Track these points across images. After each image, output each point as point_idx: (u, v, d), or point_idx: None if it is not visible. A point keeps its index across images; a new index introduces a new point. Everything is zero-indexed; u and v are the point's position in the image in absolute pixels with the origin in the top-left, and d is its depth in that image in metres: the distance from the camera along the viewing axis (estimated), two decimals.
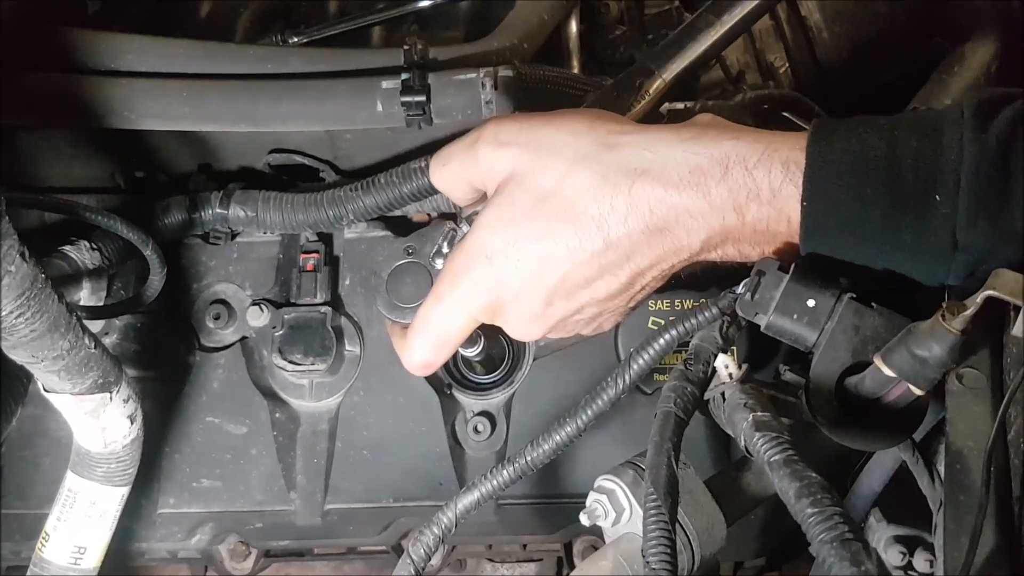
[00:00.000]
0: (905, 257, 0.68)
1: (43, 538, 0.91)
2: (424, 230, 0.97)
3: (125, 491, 0.91)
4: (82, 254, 0.94)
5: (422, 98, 0.90)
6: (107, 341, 0.99)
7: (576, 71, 1.14)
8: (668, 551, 0.63)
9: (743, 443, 0.69)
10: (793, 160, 0.69)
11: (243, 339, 1.03)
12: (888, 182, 0.66)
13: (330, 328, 0.99)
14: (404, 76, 0.91)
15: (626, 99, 0.94)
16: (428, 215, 1.02)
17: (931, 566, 0.80)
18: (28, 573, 0.92)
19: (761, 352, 0.93)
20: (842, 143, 0.68)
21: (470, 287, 0.76)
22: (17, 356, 0.74)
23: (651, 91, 0.95)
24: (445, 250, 0.90)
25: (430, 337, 0.79)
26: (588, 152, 0.73)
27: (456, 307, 0.77)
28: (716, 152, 0.70)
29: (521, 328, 0.79)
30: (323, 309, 0.99)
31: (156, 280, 0.94)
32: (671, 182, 0.70)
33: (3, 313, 0.67)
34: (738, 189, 0.70)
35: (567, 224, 0.72)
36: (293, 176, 1.03)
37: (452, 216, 0.97)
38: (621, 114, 0.88)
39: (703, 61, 0.97)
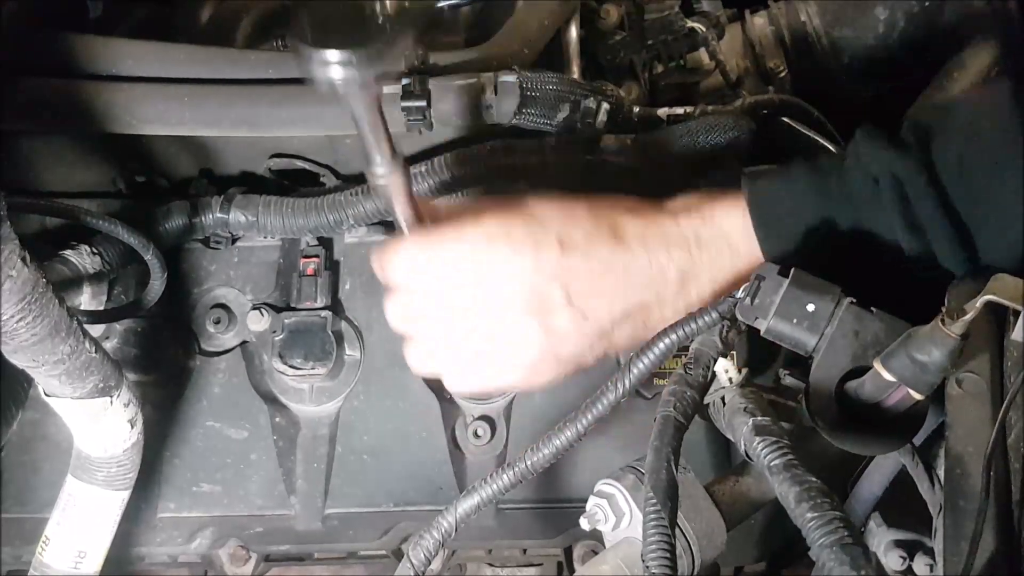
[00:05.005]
0: (847, 211, 0.74)
1: (43, 542, 0.91)
2: None
3: (125, 495, 0.91)
4: (83, 258, 0.95)
5: (422, 103, 0.91)
6: (108, 345, 0.99)
7: (576, 76, 1.14)
8: (668, 555, 0.63)
9: (743, 447, 0.69)
10: (731, 201, 0.78)
11: (243, 343, 1.03)
12: (808, 162, 0.78)
13: (330, 332, 0.99)
14: (404, 81, 0.91)
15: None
16: None
17: (931, 570, 0.80)
18: None
19: (761, 356, 0.93)
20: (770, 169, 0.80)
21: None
22: (18, 360, 0.74)
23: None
24: None
25: None
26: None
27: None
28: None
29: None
30: (323, 313, 0.99)
31: (157, 284, 0.94)
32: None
33: (4, 317, 0.67)
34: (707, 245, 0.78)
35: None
36: (294, 181, 1.03)
37: None
38: None
39: None
